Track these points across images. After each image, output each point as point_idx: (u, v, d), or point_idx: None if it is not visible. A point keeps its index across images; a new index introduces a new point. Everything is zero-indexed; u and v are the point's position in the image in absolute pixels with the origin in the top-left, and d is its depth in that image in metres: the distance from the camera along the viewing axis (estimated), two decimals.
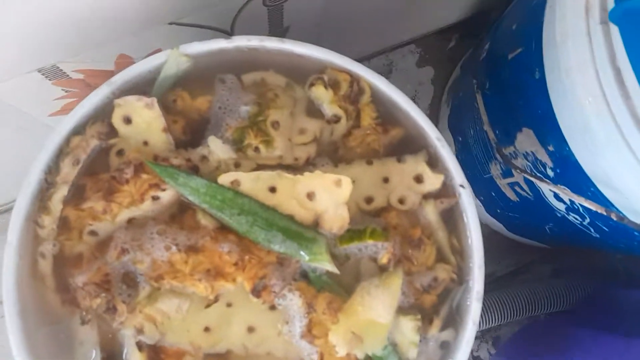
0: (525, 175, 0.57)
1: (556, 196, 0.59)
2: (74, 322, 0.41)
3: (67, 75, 0.55)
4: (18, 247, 0.40)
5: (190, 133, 0.44)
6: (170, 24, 0.53)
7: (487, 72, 0.67)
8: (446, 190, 0.45)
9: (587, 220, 0.57)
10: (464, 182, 0.44)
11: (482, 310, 0.73)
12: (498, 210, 0.79)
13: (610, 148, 0.43)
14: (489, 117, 0.65)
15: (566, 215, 0.61)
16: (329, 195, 0.41)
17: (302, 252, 0.41)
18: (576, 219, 0.60)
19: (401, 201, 0.45)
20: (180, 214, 0.43)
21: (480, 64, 0.71)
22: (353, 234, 0.42)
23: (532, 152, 0.58)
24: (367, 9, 0.71)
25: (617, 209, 0.49)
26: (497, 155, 0.67)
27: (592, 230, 0.59)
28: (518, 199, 0.70)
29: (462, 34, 0.98)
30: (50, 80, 0.55)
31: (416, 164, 0.44)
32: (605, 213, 0.47)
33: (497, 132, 0.64)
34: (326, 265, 0.41)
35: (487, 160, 0.71)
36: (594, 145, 0.45)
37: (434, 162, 0.45)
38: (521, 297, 0.77)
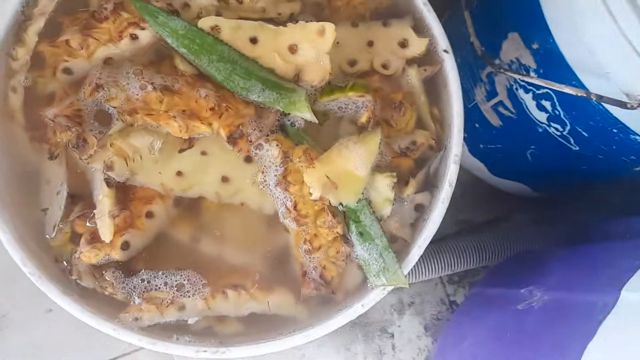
0: (513, 75, 0.57)
1: (539, 105, 0.59)
2: (42, 161, 0.40)
3: None
4: None
5: None
6: None
7: None
8: (430, 58, 0.45)
9: (568, 127, 0.58)
10: (448, 47, 0.44)
11: (457, 253, 0.73)
12: (481, 146, 0.79)
13: (593, 20, 0.43)
14: (476, 31, 0.65)
15: (547, 128, 0.61)
16: (311, 46, 0.41)
17: (281, 102, 0.40)
18: (557, 129, 0.60)
19: (384, 66, 0.44)
20: (157, 61, 0.42)
21: None
22: (334, 87, 0.42)
23: (516, 58, 0.58)
24: None
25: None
26: (483, 76, 0.67)
27: (572, 140, 0.59)
28: (501, 123, 0.70)
29: None
30: None
31: (401, 29, 0.44)
32: (585, 95, 0.47)
33: (483, 45, 0.64)
34: (305, 113, 0.40)
35: (472, 85, 0.71)
36: (578, 23, 0.45)
37: (419, 28, 0.44)
38: (496, 241, 0.77)
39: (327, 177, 0.39)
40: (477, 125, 0.75)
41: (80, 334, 0.74)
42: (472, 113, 0.75)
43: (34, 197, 0.40)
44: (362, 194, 0.41)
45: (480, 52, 0.63)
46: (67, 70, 0.41)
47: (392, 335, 0.85)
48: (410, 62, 0.44)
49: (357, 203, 0.40)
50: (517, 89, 0.61)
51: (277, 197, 0.41)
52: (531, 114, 0.61)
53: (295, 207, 0.40)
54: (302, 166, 0.40)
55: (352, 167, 0.40)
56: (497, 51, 0.61)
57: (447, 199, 0.41)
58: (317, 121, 0.41)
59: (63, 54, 0.40)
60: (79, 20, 0.40)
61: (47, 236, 0.39)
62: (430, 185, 0.43)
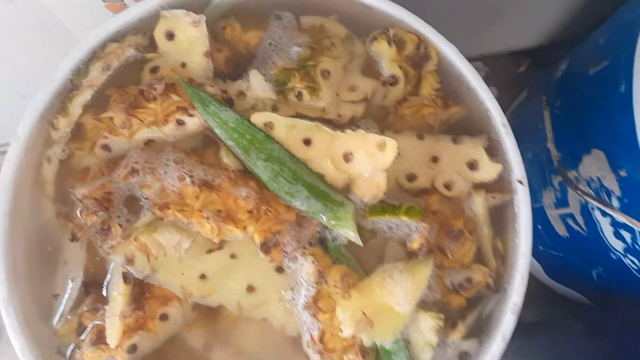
0: (590, 201, 0.51)
1: (616, 233, 0.52)
2: (64, 238, 0.37)
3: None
4: (25, 143, 0.37)
5: (233, 66, 0.41)
6: None
7: (560, 89, 0.61)
8: (501, 185, 0.39)
9: None
10: (524, 178, 0.38)
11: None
12: (541, 248, 0.72)
13: None
14: (555, 137, 0.59)
15: (622, 258, 0.54)
16: (368, 159, 0.37)
17: (325, 214, 0.36)
18: (634, 263, 0.53)
19: (448, 186, 0.39)
20: (202, 149, 0.39)
21: (554, 83, 0.65)
22: (386, 206, 0.37)
23: (598, 178, 0.52)
24: (442, 11, 0.67)
25: None
26: (554, 182, 0.61)
27: None
28: (568, 235, 0.63)
29: (534, 61, 0.92)
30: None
31: (473, 148, 0.39)
32: None
33: (561, 153, 0.58)
34: (349, 233, 0.36)
35: (541, 187, 0.65)
36: None
37: (493, 150, 0.39)
38: (546, 349, 0.70)
39: (363, 312, 0.34)
40: (540, 227, 0.69)
41: None
42: (536, 214, 0.68)
43: (50, 275, 0.37)
44: (401, 332, 0.36)
45: (555, 162, 0.57)
46: (105, 147, 0.38)
47: None
48: (477, 186, 0.39)
49: (393, 344, 0.35)
50: (593, 208, 0.55)
51: (304, 321, 0.36)
52: (606, 238, 0.54)
53: (321, 339, 0.35)
54: (336, 293, 0.35)
55: (393, 302, 0.35)
56: (576, 162, 0.55)
57: (498, 355, 0.36)
58: (361, 244, 0.36)
59: (104, 129, 0.38)
60: (127, 95, 0.38)
61: (53, 323, 0.36)
62: (480, 330, 0.38)
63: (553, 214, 0.64)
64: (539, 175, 0.65)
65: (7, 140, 0.78)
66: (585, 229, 0.58)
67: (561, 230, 0.64)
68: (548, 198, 0.64)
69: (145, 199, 0.36)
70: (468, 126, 0.41)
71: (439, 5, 0.68)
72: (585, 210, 0.56)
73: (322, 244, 0.38)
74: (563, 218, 0.63)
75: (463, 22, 0.74)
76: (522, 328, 0.88)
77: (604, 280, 0.62)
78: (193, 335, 0.37)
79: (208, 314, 0.38)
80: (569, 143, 0.57)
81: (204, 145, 0.39)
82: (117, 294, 0.35)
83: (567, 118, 0.58)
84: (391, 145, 0.36)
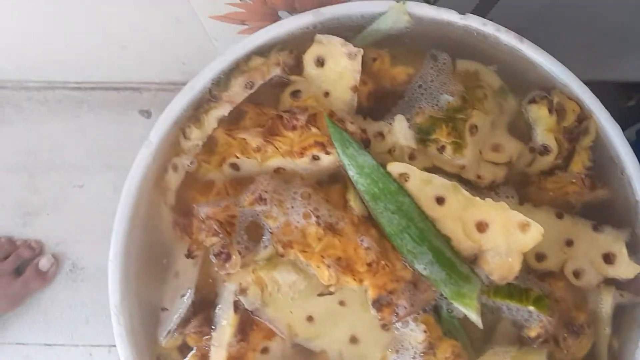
0: None
1: None
2: (177, 250, 0.37)
3: None
4: (156, 149, 0.35)
5: (374, 101, 0.38)
6: None
7: None
8: (633, 285, 0.37)
9: None
10: None
11: None
12: None
13: None
14: None
15: None
16: (505, 236, 0.34)
17: (447, 287, 0.35)
18: None
19: (576, 274, 0.37)
20: (327, 184, 0.37)
21: None
22: (513, 290, 0.35)
23: None
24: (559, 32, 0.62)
25: None
26: None
27: None
28: None
29: None
30: None
31: (613, 241, 0.36)
32: None
33: None
34: (471, 314, 0.34)
35: None
36: None
37: (635, 247, 0.36)
38: None
39: None
40: None
41: None
42: None
43: (159, 284, 0.37)
44: None
45: None
46: (234, 166, 0.37)
47: None
48: (608, 281, 0.37)
49: None
50: None
51: None
52: None
53: None
54: None
55: None
56: None
57: None
58: (481, 326, 0.34)
59: (236, 148, 0.36)
60: (265, 117, 0.36)
61: (159, 336, 0.36)
62: None
63: None
64: None
65: (96, 79, 0.77)
66: None
67: None
68: None
69: (269, 231, 0.35)
70: (609, 213, 0.38)
71: (558, 25, 0.62)
72: None
73: (436, 311, 0.36)
74: None
75: (579, 45, 0.69)
76: None
77: None
78: None
79: (307, 356, 0.37)
80: None
81: (330, 180, 0.37)
82: (227, 323, 0.34)
83: None
84: (536, 230, 0.33)
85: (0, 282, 0.77)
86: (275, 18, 0.58)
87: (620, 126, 0.83)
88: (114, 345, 0.83)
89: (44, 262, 0.81)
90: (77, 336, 0.83)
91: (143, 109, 0.87)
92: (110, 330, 0.83)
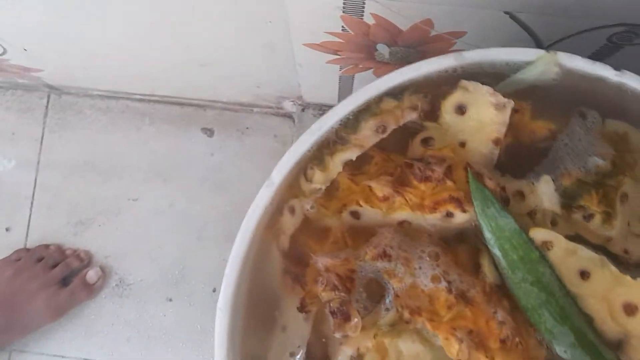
0: None
1: None
2: (286, 302, 0.34)
3: (362, 14, 0.47)
4: (277, 189, 0.33)
5: (510, 156, 0.35)
6: (506, 13, 0.44)
7: None
8: None
9: None
10: None
11: None
12: None
13: None
14: None
15: None
16: None
17: None
18: None
19: None
20: (455, 243, 0.34)
21: None
22: None
23: None
24: None
25: None
26: None
27: None
28: None
29: None
30: (342, 10, 0.47)
31: None
32: None
33: None
34: None
35: None
36: None
37: None
38: None
39: None
40: None
41: None
42: None
43: (264, 337, 0.34)
44: None
45: None
46: (355, 214, 0.34)
47: None
48: None
49: None
50: None
51: None
52: None
53: None
54: None
55: None
56: None
57: None
58: None
59: (359, 195, 0.33)
60: (392, 164, 0.33)
61: None
62: None
63: None
64: None
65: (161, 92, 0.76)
66: None
67: None
68: None
69: (393, 292, 0.32)
70: None
71: None
72: None
73: None
74: None
75: None
76: None
77: None
78: None
79: None
80: None
81: (456, 239, 0.34)
82: None
83: None
84: None
85: (47, 291, 0.75)
86: (372, 50, 0.55)
87: None
88: None
89: (91, 274, 0.79)
90: (117, 355, 0.80)
91: (206, 127, 0.85)
92: (149, 352, 0.80)
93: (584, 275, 0.32)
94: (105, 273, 0.81)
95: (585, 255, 0.32)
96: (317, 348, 0.33)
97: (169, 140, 0.84)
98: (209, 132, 0.84)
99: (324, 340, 0.33)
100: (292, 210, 0.34)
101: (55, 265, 0.78)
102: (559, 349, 0.31)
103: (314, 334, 0.33)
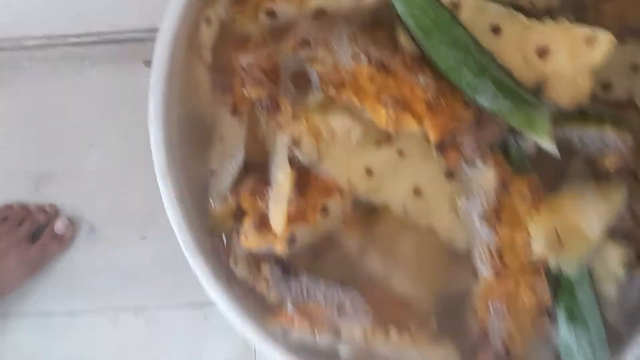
0: None
1: None
2: (220, 113, 0.34)
3: None
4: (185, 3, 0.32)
5: None
6: None
7: None
8: None
9: None
10: None
11: None
12: None
13: None
14: None
15: None
16: (570, 56, 0.32)
17: (515, 115, 0.32)
18: None
19: None
20: (372, 27, 0.34)
21: None
22: (587, 114, 0.32)
23: None
24: None
25: None
26: None
27: None
28: None
29: None
30: None
31: None
32: None
33: None
34: (544, 139, 0.31)
35: None
36: None
37: None
38: None
39: (556, 230, 0.30)
40: None
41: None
42: None
43: (204, 151, 0.34)
44: (587, 261, 0.32)
45: None
46: (271, 13, 0.34)
47: None
48: None
49: (578, 272, 0.31)
50: None
51: (478, 234, 0.32)
52: None
53: (499, 253, 0.31)
54: (523, 206, 0.31)
55: (584, 225, 0.31)
56: None
57: None
58: (557, 154, 0.31)
59: None
60: None
61: (210, 202, 0.33)
62: None
63: None
64: None
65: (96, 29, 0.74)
66: None
67: None
68: None
69: (316, 76, 0.32)
70: None
71: None
72: None
73: (503, 150, 0.33)
74: None
75: None
76: None
77: None
78: (348, 237, 0.34)
79: (368, 217, 0.34)
80: None
81: (374, 24, 0.34)
82: (284, 177, 0.31)
83: None
84: (605, 39, 0.31)
85: (17, 249, 0.73)
86: None
87: None
88: (142, 308, 0.79)
89: (59, 225, 0.78)
90: (102, 300, 0.80)
91: (147, 60, 0.84)
92: (135, 292, 0.80)
93: (496, 30, 0.33)
94: (74, 223, 0.79)
95: (494, 10, 0.33)
96: (256, 150, 0.33)
97: (113, 78, 0.82)
98: (151, 64, 0.82)
99: (260, 138, 0.33)
100: (209, 21, 0.34)
101: (21, 223, 0.76)
102: (481, 100, 0.32)
103: (251, 138, 0.33)
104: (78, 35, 0.81)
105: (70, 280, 0.78)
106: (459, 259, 0.33)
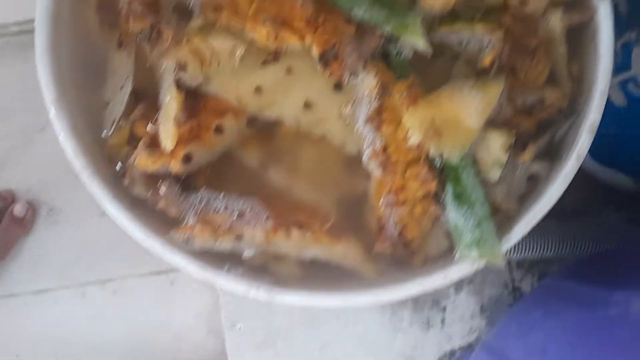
0: None
1: None
2: (110, 49, 0.35)
3: None
4: None
5: None
6: None
7: None
8: (581, 3, 0.36)
9: None
10: None
11: (535, 237, 0.65)
12: None
13: None
14: None
15: None
16: None
17: (391, 22, 0.33)
18: None
19: (522, 1, 0.36)
20: None
21: None
22: (459, 14, 0.34)
23: None
24: None
25: None
26: (619, 43, 0.57)
27: None
28: (626, 103, 0.59)
29: None
30: None
31: None
32: None
33: (631, 6, 0.54)
34: (417, 40, 0.33)
35: None
36: None
37: None
38: (588, 231, 0.67)
39: (432, 120, 0.32)
40: None
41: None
42: None
43: (98, 86, 0.35)
44: (469, 149, 0.34)
45: (623, 12, 0.53)
46: None
47: (444, 309, 0.79)
48: (554, 2, 0.36)
49: (460, 159, 0.33)
50: None
51: (365, 136, 0.34)
52: None
53: (384, 150, 0.33)
54: (402, 103, 0.33)
55: (463, 115, 0.33)
56: None
57: (571, 175, 0.34)
58: (430, 50, 0.33)
59: None
60: None
61: (105, 132, 0.34)
62: (551, 154, 0.36)
63: (611, 83, 0.60)
64: None
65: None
66: None
67: (619, 99, 0.60)
68: None
69: (197, 2, 0.33)
70: None
71: None
72: None
73: (385, 59, 0.35)
74: (623, 84, 0.59)
75: None
76: (559, 215, 0.85)
77: None
78: (249, 154, 0.36)
79: (264, 133, 0.36)
80: None
81: None
82: (170, 98, 0.33)
83: None
84: None
85: None
86: None
87: None
88: (108, 280, 0.80)
89: (18, 208, 0.78)
90: (67, 278, 0.81)
91: None
92: (100, 267, 0.81)
93: None
94: (33, 206, 0.80)
95: None
96: (147, 80, 0.35)
97: None
98: None
99: (147, 65, 0.35)
100: None
101: None
102: (359, 12, 0.33)
103: (140, 69, 0.35)
104: (19, 24, 0.81)
105: (34, 262, 0.80)
106: (354, 163, 0.35)
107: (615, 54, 0.59)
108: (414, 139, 0.32)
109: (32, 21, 0.76)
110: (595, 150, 0.73)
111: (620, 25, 0.55)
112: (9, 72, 0.84)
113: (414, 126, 0.32)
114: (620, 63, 0.58)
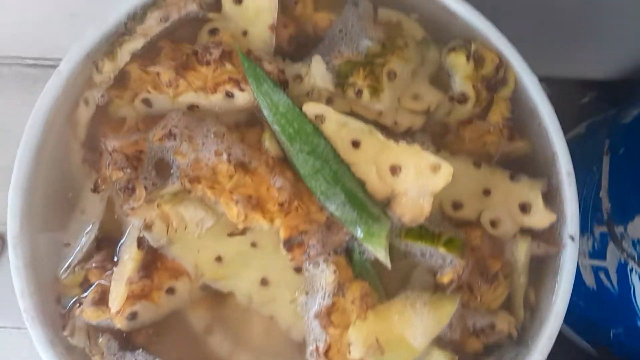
0: (632, 263, 0.47)
1: None
2: (85, 186, 0.36)
3: None
4: (66, 81, 0.35)
5: (295, 46, 0.38)
6: None
7: (629, 137, 0.57)
8: (550, 235, 0.37)
9: None
10: (576, 234, 0.35)
11: None
12: None
13: None
14: (610, 187, 0.55)
15: None
16: (417, 178, 0.34)
17: (358, 226, 0.34)
18: None
19: (493, 224, 0.37)
20: (245, 126, 0.37)
21: (621, 127, 0.61)
22: (425, 232, 0.35)
23: None
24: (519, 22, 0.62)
25: None
26: (596, 231, 0.58)
27: None
28: (595, 288, 0.60)
29: (601, 96, 0.87)
30: None
31: (529, 190, 0.36)
32: None
33: (612, 205, 0.55)
34: (379, 252, 0.34)
35: (580, 232, 0.62)
36: None
37: (550, 198, 0.36)
38: None
39: (377, 338, 0.32)
40: None
41: None
42: None
43: (64, 221, 0.36)
44: None
45: (605, 214, 0.54)
46: (146, 102, 0.36)
47: None
48: (524, 231, 0.37)
49: None
50: (631, 270, 0.52)
51: (312, 330, 0.34)
52: (636, 304, 0.51)
53: (326, 353, 0.33)
54: (352, 310, 0.33)
55: (409, 335, 0.33)
56: (627, 219, 0.52)
57: None
58: (389, 266, 0.34)
59: (149, 83, 0.36)
60: (180, 53, 0.36)
61: (60, 271, 0.35)
62: None
63: (585, 263, 0.61)
64: (580, 219, 0.61)
65: (52, 55, 0.77)
66: (616, 287, 0.55)
67: (589, 280, 0.61)
68: (583, 245, 0.60)
69: (177, 167, 0.34)
70: (529, 165, 0.38)
71: (518, 15, 0.63)
72: (622, 270, 0.53)
73: (348, 254, 0.35)
74: (595, 270, 0.59)
75: (537, 38, 0.70)
76: None
77: (620, 341, 0.59)
78: (196, 316, 0.36)
79: (216, 298, 0.36)
80: (625, 197, 0.53)
81: (248, 123, 0.37)
82: (129, 257, 0.33)
83: (629, 170, 0.54)
84: (446, 170, 0.33)
85: None
86: None
87: (573, 122, 0.84)
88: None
89: None
90: None
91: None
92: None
93: (355, 144, 0.35)
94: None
95: (355, 126, 0.35)
96: (113, 228, 0.35)
97: None
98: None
99: (116, 217, 0.35)
100: (87, 102, 0.36)
101: None
102: (331, 207, 0.34)
103: (110, 215, 0.35)
104: (35, 59, 0.83)
105: None
106: (299, 349, 0.35)
107: (593, 238, 0.60)
108: (355, 354, 0.32)
109: (48, 59, 0.77)
110: (565, 316, 0.73)
111: (600, 215, 0.56)
112: (19, 101, 0.85)
113: (357, 341, 0.32)
114: (596, 250, 0.59)
